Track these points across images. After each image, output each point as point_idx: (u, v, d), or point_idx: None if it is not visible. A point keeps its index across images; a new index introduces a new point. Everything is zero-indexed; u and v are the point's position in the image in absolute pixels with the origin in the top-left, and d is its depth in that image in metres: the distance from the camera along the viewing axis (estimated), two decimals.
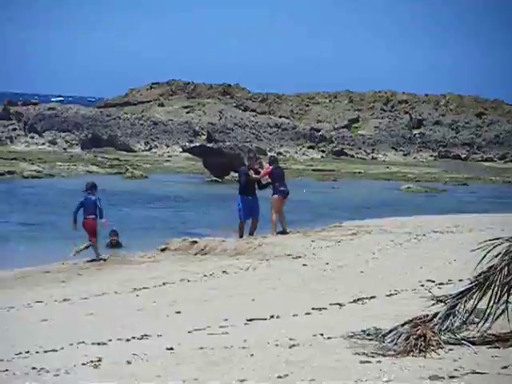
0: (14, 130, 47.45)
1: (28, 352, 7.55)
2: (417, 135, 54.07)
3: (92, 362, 6.81)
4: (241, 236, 16.58)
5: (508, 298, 6.90)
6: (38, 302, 10.72)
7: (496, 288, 6.89)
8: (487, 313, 6.92)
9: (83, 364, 6.78)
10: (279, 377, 6.04)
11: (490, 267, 6.94)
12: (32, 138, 47.39)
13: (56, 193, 28.36)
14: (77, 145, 47.30)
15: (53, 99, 78.26)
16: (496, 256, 7.00)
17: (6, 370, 6.71)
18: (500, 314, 6.92)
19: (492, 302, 6.91)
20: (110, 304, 10.49)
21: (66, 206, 24.95)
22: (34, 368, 6.75)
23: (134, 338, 7.89)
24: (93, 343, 7.74)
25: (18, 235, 19.08)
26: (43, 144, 46.86)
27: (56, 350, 7.57)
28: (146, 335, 7.95)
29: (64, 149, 46.32)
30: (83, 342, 7.80)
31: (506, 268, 6.89)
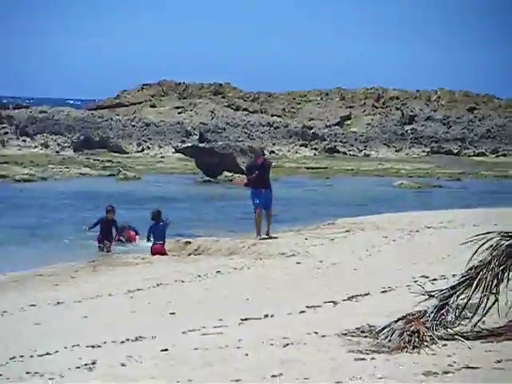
0: (6, 133, 47.31)
1: (22, 356, 7.52)
2: (409, 131, 54.12)
3: (86, 364, 6.80)
4: (258, 233, 15.65)
5: (497, 291, 6.93)
6: (31, 305, 10.69)
7: (485, 282, 6.92)
8: (478, 307, 6.95)
9: (77, 367, 6.76)
10: (274, 376, 6.04)
11: (480, 261, 6.97)
12: (24, 141, 47.24)
13: (49, 196, 28.30)
14: (69, 147, 47.20)
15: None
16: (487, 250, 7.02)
17: (0, 375, 6.68)
18: (490, 308, 6.95)
19: (482, 295, 6.94)
20: (103, 306, 10.48)
21: (58, 208, 24.93)
22: (28, 372, 6.73)
23: (128, 339, 7.88)
24: (87, 346, 7.72)
25: (10, 239, 19.00)
26: (35, 147, 46.73)
27: (50, 354, 7.55)
28: (141, 337, 7.94)
29: (56, 152, 46.20)
30: (77, 345, 7.78)
31: (496, 261, 6.92)
